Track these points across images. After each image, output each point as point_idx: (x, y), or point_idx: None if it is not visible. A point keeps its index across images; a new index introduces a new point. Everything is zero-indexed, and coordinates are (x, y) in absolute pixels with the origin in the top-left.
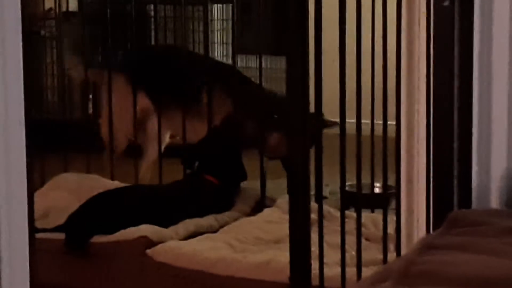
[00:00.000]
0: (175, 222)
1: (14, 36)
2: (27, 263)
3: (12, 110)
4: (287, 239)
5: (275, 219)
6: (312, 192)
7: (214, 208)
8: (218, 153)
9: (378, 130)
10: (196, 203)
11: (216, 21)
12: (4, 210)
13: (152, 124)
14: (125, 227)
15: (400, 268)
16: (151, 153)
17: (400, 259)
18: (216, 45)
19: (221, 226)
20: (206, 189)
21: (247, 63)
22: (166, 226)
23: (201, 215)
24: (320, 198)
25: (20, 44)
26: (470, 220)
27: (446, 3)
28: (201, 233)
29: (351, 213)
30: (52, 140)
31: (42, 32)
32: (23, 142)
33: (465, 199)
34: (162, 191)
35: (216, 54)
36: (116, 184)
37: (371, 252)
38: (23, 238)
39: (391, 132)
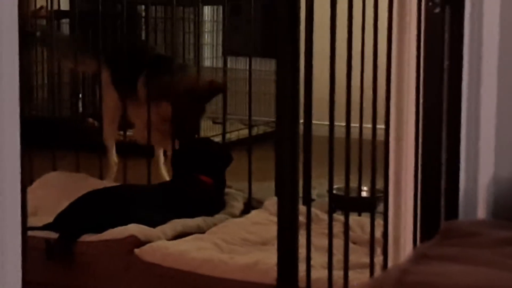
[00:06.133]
0: (165, 222)
1: (10, 36)
2: (19, 262)
3: (7, 110)
4: (275, 241)
5: (263, 221)
6: (300, 194)
7: (208, 209)
8: (213, 152)
9: (367, 133)
10: (190, 203)
11: (206, 23)
12: None
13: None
14: (113, 226)
15: (395, 278)
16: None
17: (394, 269)
18: (206, 46)
19: (209, 227)
20: (201, 189)
21: (237, 65)
22: (156, 226)
23: (193, 215)
24: (308, 201)
25: (17, 44)
26: (463, 231)
27: (436, 10)
28: (189, 234)
29: (338, 216)
30: (42, 138)
31: (38, 34)
32: (17, 141)
33: (452, 206)
34: (152, 191)
35: (206, 55)
36: (105, 183)
37: (358, 256)
38: (15, 236)
39: (380, 136)
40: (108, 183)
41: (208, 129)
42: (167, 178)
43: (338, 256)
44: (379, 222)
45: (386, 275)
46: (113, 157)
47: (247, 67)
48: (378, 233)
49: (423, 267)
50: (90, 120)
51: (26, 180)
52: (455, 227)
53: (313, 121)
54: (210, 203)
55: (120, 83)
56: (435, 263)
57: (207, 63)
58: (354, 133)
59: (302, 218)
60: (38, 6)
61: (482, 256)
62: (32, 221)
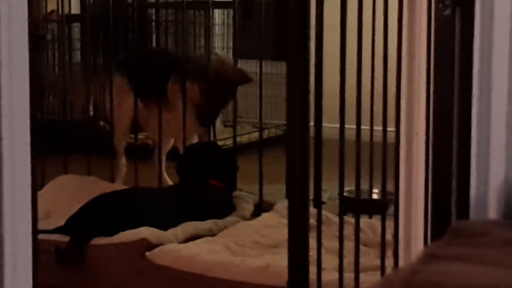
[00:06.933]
0: (176, 225)
1: (21, 40)
2: (30, 265)
3: (18, 113)
4: (286, 244)
5: (274, 224)
6: (311, 197)
7: (219, 213)
8: (220, 156)
9: (378, 136)
10: (201, 206)
11: (217, 26)
12: (8, 211)
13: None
14: (125, 229)
15: (404, 278)
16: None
17: (404, 269)
18: (216, 49)
19: (220, 230)
20: (213, 193)
21: (247, 68)
22: (167, 229)
23: (203, 218)
24: (319, 203)
25: (27, 47)
26: (472, 231)
27: (447, 12)
28: (200, 236)
29: (349, 219)
30: (53, 142)
31: (48, 37)
32: (28, 144)
33: (463, 207)
34: (163, 194)
35: None
36: (116, 186)
37: (369, 258)
38: (26, 239)
39: (391, 138)
40: (118, 186)
41: (219, 132)
42: (170, 182)
43: (349, 258)
44: (390, 224)
45: (395, 275)
46: (123, 160)
47: (258, 70)
48: (389, 235)
49: (432, 267)
50: (101, 123)
51: (37, 183)
52: (464, 227)
53: (324, 124)
54: (221, 206)
55: (142, 88)
56: (444, 263)
57: None
58: (365, 135)
59: (312, 221)
60: (49, 10)
61: (491, 256)
62: (43, 225)
